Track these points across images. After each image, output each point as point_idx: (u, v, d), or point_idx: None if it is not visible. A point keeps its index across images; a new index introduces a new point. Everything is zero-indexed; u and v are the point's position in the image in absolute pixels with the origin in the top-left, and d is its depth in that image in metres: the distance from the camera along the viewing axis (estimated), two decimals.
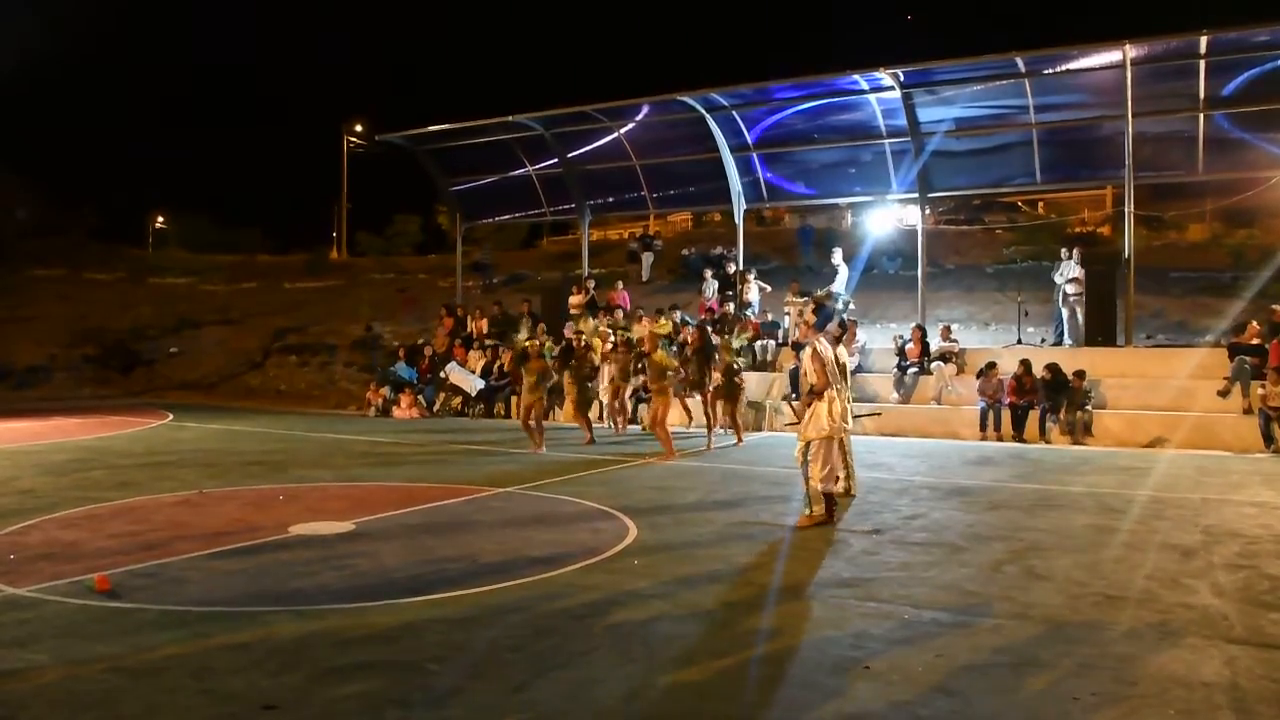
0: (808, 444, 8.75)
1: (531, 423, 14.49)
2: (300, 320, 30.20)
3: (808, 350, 8.93)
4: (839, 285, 19.89)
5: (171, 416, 19.85)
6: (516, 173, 23.96)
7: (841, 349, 10.43)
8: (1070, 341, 17.75)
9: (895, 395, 17.25)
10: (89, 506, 9.68)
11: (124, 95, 75.77)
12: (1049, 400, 15.38)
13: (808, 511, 8.67)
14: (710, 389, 14.94)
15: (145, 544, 7.91)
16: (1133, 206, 17.75)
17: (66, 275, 37.51)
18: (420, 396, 20.67)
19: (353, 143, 50.99)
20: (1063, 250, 18.67)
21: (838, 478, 8.96)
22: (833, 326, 11.60)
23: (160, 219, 58.82)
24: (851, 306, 19.60)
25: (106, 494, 10.41)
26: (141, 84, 78.58)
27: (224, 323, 31.76)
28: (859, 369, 17.62)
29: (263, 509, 9.59)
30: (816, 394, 8.74)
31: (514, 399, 19.84)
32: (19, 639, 5.52)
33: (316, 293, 34.18)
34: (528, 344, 15.34)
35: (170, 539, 8.11)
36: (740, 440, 14.99)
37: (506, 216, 26.58)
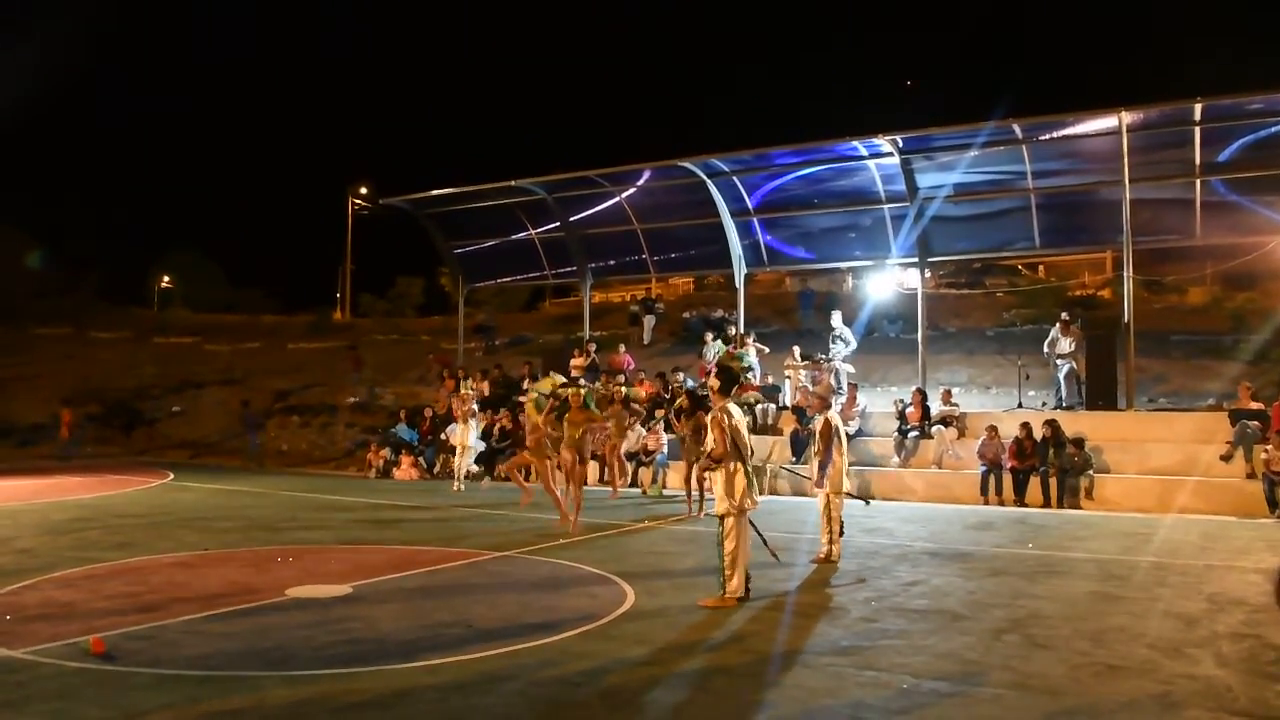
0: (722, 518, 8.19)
1: (561, 488, 12.96)
2: (302, 381, 30.28)
3: (711, 416, 8.42)
4: (840, 350, 19.86)
5: (172, 476, 19.83)
6: (518, 236, 24.17)
7: (835, 414, 10.43)
8: (1066, 405, 17.73)
9: (896, 459, 17.21)
10: (87, 567, 9.65)
11: (132, 155, 76.72)
12: (1049, 461, 15.33)
13: (720, 591, 8.11)
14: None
15: (142, 605, 7.88)
16: (1131, 270, 17.86)
17: (72, 334, 37.74)
18: (421, 458, 20.64)
19: (357, 205, 51.51)
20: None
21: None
22: (822, 390, 11.59)
23: (166, 279, 59.19)
24: (851, 370, 19.62)
25: (105, 554, 10.38)
26: (148, 144, 79.61)
27: (227, 383, 31.82)
28: (859, 433, 17.63)
29: (261, 570, 9.55)
30: (714, 461, 8.19)
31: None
32: (12, 702, 5.49)
33: (319, 353, 34.30)
34: (568, 392, 13.04)
35: (168, 600, 8.08)
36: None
37: (508, 279, 26.71)
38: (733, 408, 8.31)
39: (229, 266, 55.31)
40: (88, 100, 77.59)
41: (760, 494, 8.83)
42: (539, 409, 12.92)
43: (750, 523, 8.42)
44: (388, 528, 12.86)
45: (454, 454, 20.25)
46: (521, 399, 20.46)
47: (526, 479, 14.53)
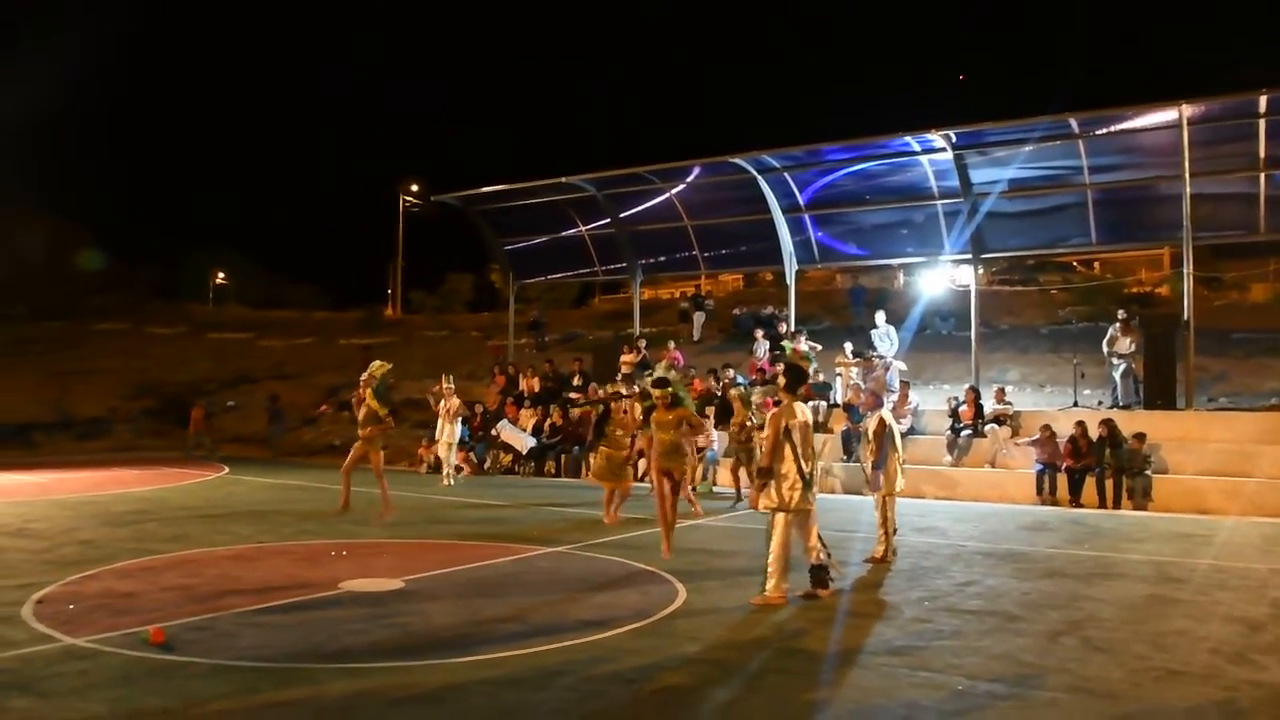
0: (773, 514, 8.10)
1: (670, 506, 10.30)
2: (354, 376, 30.54)
3: (770, 414, 8.33)
4: (884, 349, 19.70)
5: (227, 470, 20.12)
6: (569, 232, 24.23)
7: (888, 413, 10.33)
8: (1123, 404, 17.43)
9: (948, 458, 17.03)
10: (145, 558, 9.81)
11: (187, 153, 77.97)
12: (1104, 461, 15.09)
13: (764, 590, 8.02)
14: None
15: (199, 596, 8.00)
16: (1191, 267, 17.52)
17: (129, 330, 38.39)
18: (472, 454, 20.75)
19: (408, 202, 51.92)
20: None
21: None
22: (875, 388, 11.48)
23: (221, 275, 60.12)
24: (904, 368, 19.44)
25: (163, 546, 10.56)
26: (204, 143, 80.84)
27: (280, 378, 32.22)
28: (911, 431, 17.46)
29: (315, 564, 9.66)
30: (763, 473, 8.12)
31: (566, 458, 19.90)
32: (76, 689, 5.59)
33: (371, 349, 34.60)
34: (655, 389, 10.30)
35: (223, 592, 8.19)
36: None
37: (558, 275, 26.79)
38: (799, 406, 8.24)
39: (282, 263, 56.12)
40: (142, 97, 78.95)
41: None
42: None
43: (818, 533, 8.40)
44: (438, 523, 12.95)
45: (505, 450, 20.45)
46: (572, 396, 20.58)
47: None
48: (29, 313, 37.58)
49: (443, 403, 18.42)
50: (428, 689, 5.66)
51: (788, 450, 8.01)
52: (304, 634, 6.88)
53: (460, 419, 18.90)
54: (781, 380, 8.54)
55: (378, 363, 13.14)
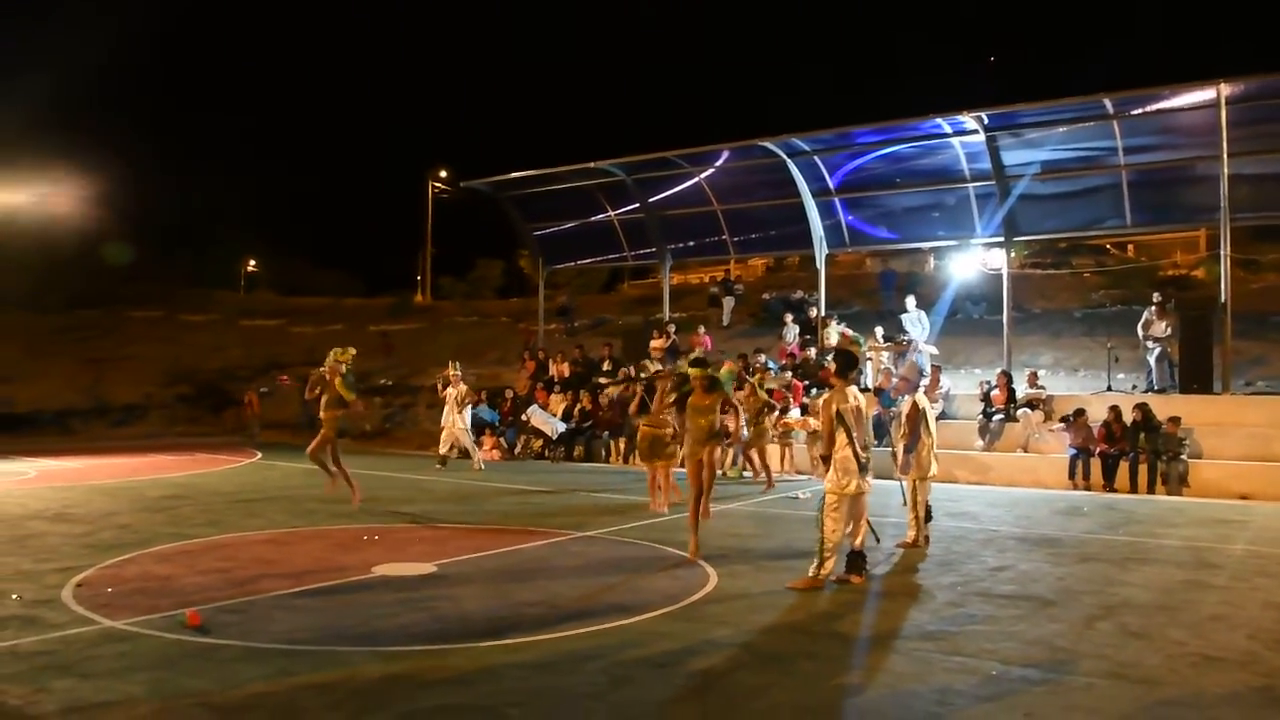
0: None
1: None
2: (384, 362, 30.76)
3: (823, 399, 8.35)
4: (915, 333, 19.58)
5: (260, 455, 20.31)
6: (598, 218, 24.21)
7: (921, 396, 10.26)
8: (1158, 388, 17.24)
9: (980, 442, 16.93)
10: (181, 542, 9.93)
11: (218, 142, 78.49)
12: (1138, 445, 14.94)
13: (814, 572, 8.01)
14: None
15: (234, 580, 8.08)
16: (1229, 249, 17.26)
17: (163, 317, 38.82)
18: (502, 439, 20.84)
19: (437, 189, 52.06)
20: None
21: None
22: (908, 372, 11.38)
23: (252, 263, 60.55)
24: (935, 352, 19.31)
25: (198, 530, 10.67)
26: (234, 131, 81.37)
27: (311, 364, 32.38)
28: (943, 415, 17.35)
29: (347, 548, 9.73)
30: (823, 457, 8.18)
31: (600, 443, 19.92)
32: (115, 670, 5.67)
33: (400, 335, 34.81)
34: (693, 369, 9.83)
35: (258, 576, 8.26)
36: (770, 484, 15.11)
37: (587, 261, 26.79)
38: (851, 391, 8.20)
39: (313, 250, 56.45)
40: (174, 84, 79.47)
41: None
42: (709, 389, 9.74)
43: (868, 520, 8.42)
44: (469, 507, 13.00)
45: (535, 435, 20.47)
46: (601, 380, 20.57)
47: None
48: (65, 301, 38.05)
49: (449, 389, 18.15)
50: (460, 672, 5.69)
51: (842, 435, 8.00)
52: (337, 618, 6.93)
53: (470, 405, 18.67)
54: (832, 365, 8.48)
55: (339, 348, 12.85)
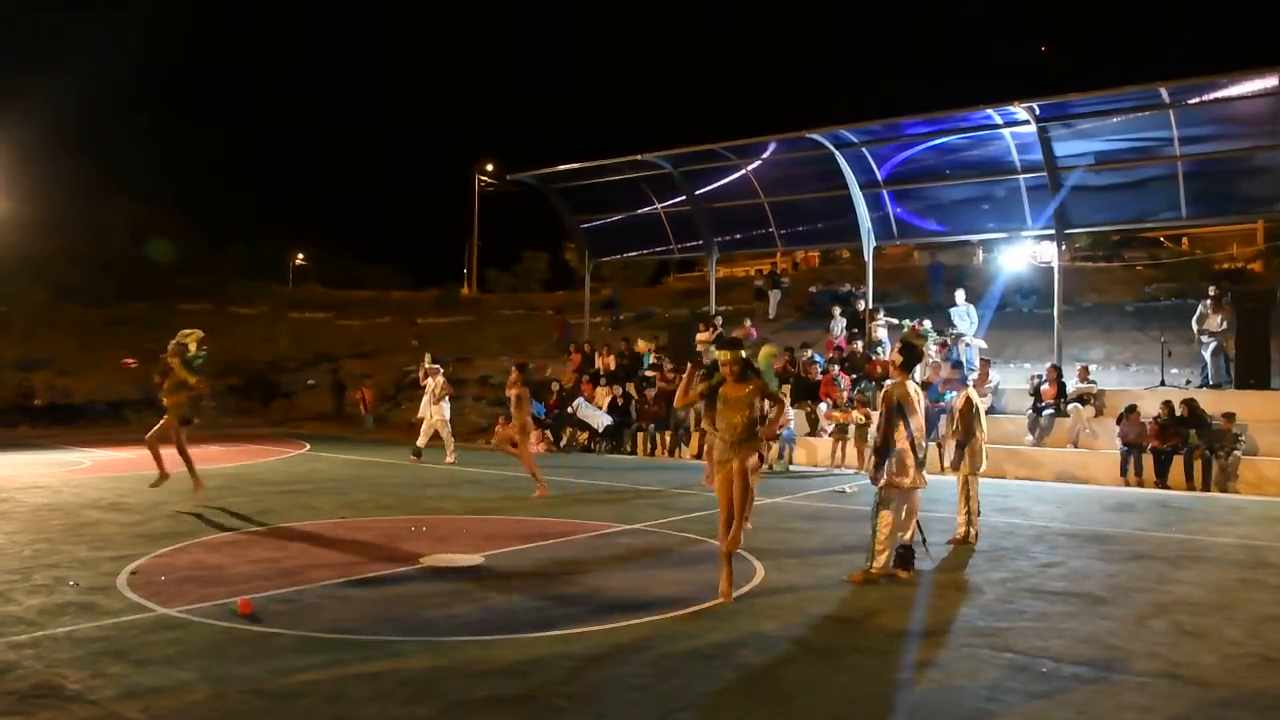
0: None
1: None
2: (432, 355, 30.97)
3: (883, 392, 8.30)
4: (963, 327, 19.38)
5: (308, 446, 20.54)
6: (644, 210, 24.18)
7: (973, 390, 10.15)
8: (1213, 384, 16.92)
9: (1030, 437, 16.72)
10: (232, 532, 10.07)
11: (268, 137, 79.44)
12: (1191, 441, 14.67)
13: (867, 565, 8.06)
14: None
15: (284, 570, 8.17)
16: None
17: (213, 310, 39.37)
18: (548, 431, 20.90)
19: (483, 182, 52.31)
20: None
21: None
22: (947, 371, 11.25)
23: (300, 256, 61.21)
24: (983, 346, 19.10)
25: (248, 520, 10.82)
26: (283, 126, 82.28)
27: (359, 356, 32.76)
28: (991, 410, 17.16)
29: (395, 539, 9.81)
30: (876, 452, 8.03)
31: (646, 436, 19.92)
32: (169, 657, 5.76)
33: (447, 328, 35.03)
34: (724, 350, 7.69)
35: (307, 566, 8.35)
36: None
37: (634, 253, 26.80)
38: (910, 385, 8.13)
39: (360, 244, 57.01)
40: (223, 81, 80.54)
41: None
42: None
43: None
44: (515, 499, 13.05)
45: (581, 428, 20.50)
46: (648, 373, 20.57)
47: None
48: (118, 294, 38.73)
49: (428, 381, 18.01)
50: (509, 663, 5.71)
51: (900, 428, 7.95)
52: (386, 608, 6.99)
53: (448, 397, 18.31)
54: (897, 358, 8.34)
55: (186, 330, 12.49)
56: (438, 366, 18.23)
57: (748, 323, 23.18)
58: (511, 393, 13.48)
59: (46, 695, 5.12)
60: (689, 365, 7.93)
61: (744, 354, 7.57)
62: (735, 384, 7.45)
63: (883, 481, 7.99)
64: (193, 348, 12.15)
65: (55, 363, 31.59)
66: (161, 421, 12.19)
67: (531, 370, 14.22)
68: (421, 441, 18.05)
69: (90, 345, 33.89)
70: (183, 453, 12.18)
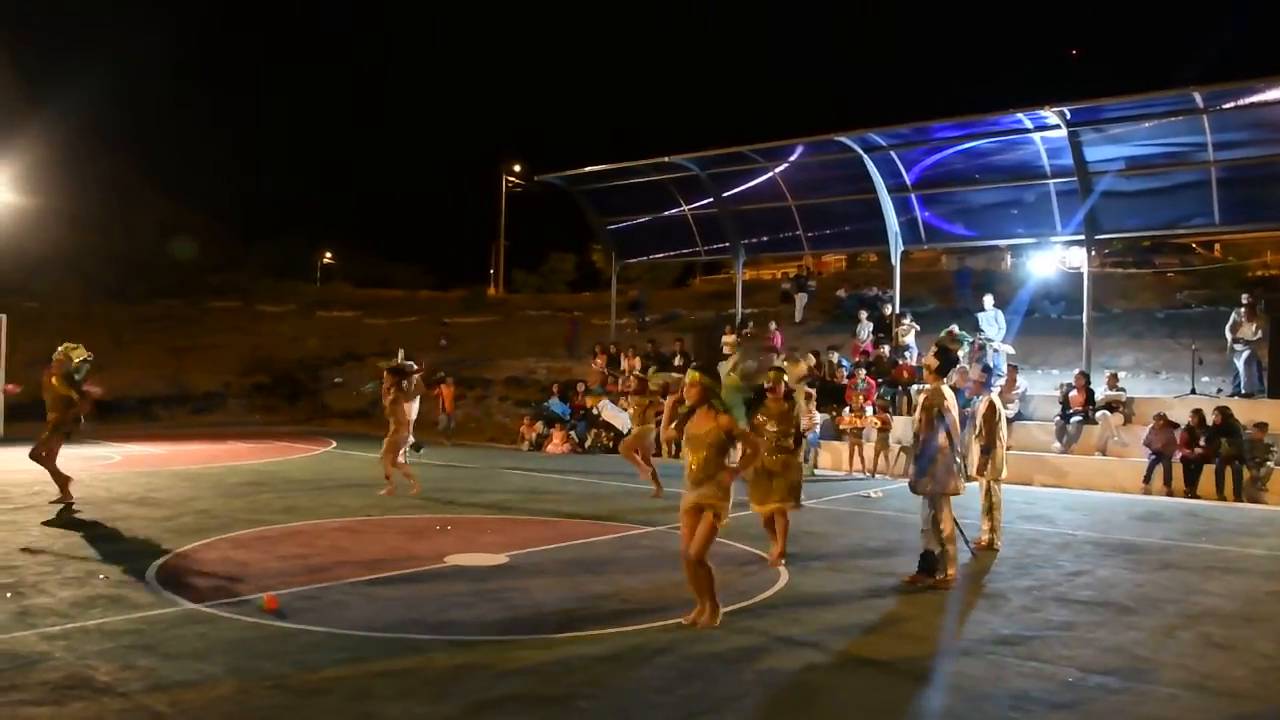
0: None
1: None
2: (457, 355, 31.09)
3: (921, 399, 8.26)
4: (991, 332, 19.24)
5: (335, 444, 20.64)
6: (671, 212, 24.18)
7: (996, 397, 10.10)
8: (1246, 392, 16.72)
9: (1057, 444, 16.59)
10: (259, 528, 10.14)
11: (295, 136, 79.95)
12: (1222, 451, 14.50)
13: (945, 574, 8.05)
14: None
15: (310, 567, 8.22)
16: None
17: (242, 308, 39.66)
18: (572, 432, 20.94)
19: (510, 183, 52.43)
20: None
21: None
22: (976, 373, 11.18)
23: (328, 255, 61.55)
24: (1011, 352, 18.97)
25: (275, 517, 10.90)
26: (311, 125, 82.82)
27: (386, 355, 32.85)
28: (1019, 416, 17.05)
29: (420, 538, 9.85)
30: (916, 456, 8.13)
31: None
32: (197, 651, 5.82)
33: (474, 328, 35.12)
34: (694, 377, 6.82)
35: (333, 563, 8.40)
36: (658, 491, 13.61)
37: (661, 255, 26.79)
38: (946, 391, 8.11)
39: (387, 243, 57.26)
40: (250, 80, 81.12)
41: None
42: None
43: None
44: (541, 500, 13.08)
45: (606, 429, 20.50)
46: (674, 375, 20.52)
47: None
48: (149, 292, 39.08)
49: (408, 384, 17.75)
50: (532, 663, 5.73)
51: (942, 435, 7.93)
52: (411, 606, 7.02)
53: (419, 396, 18.01)
54: (933, 363, 8.29)
55: (70, 345, 12.09)
56: (411, 364, 17.88)
57: (773, 325, 23.13)
58: (387, 399, 13.28)
59: (78, 686, 5.19)
60: (669, 399, 6.99)
61: (708, 381, 6.51)
62: (701, 416, 6.48)
63: (928, 489, 8.00)
64: (75, 360, 11.82)
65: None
66: (48, 437, 11.72)
67: (411, 370, 13.62)
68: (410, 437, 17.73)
69: (121, 342, 34.20)
70: (52, 465, 11.70)
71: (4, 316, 22.30)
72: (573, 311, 35.61)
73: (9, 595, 7.18)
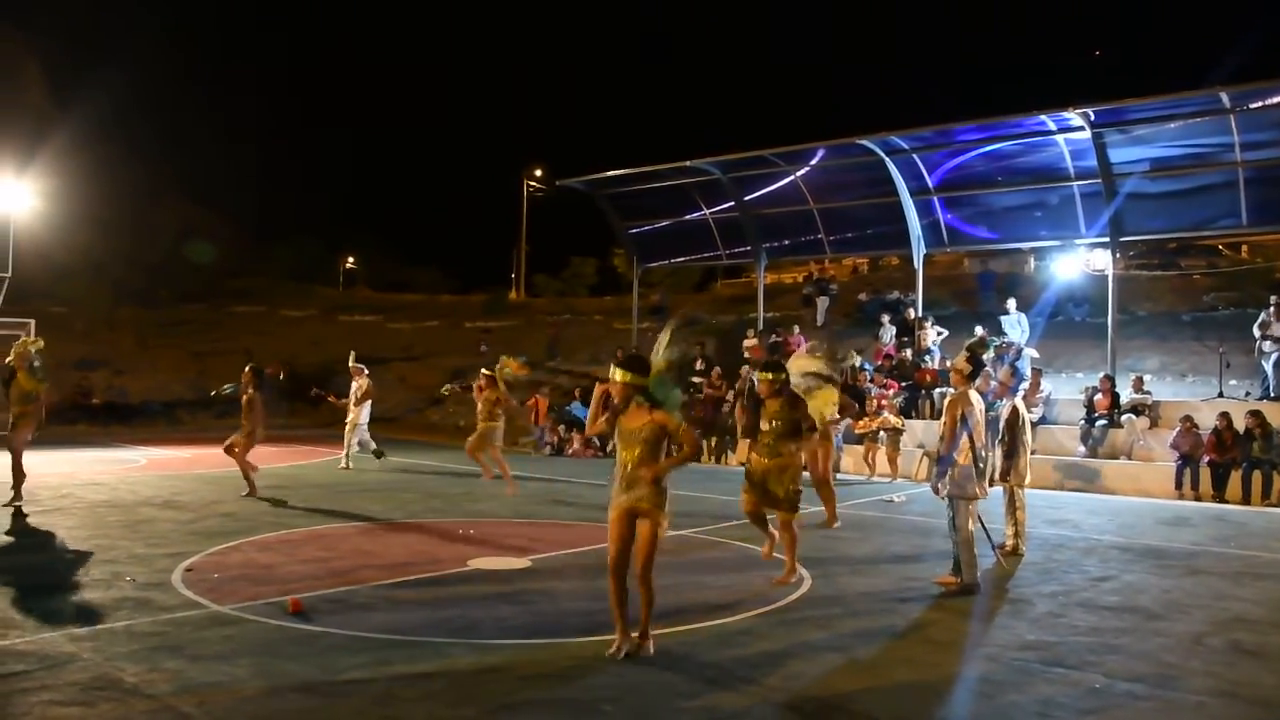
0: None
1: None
2: (479, 359, 31.16)
3: (947, 401, 8.24)
4: (1014, 336, 19.14)
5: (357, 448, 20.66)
6: (693, 216, 24.16)
7: (1020, 401, 10.04)
8: (1275, 395, 16.55)
9: (1082, 448, 16.47)
10: (283, 532, 10.19)
11: (317, 141, 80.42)
12: (1252, 454, 14.36)
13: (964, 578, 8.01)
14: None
15: (334, 570, 8.26)
16: None
17: (264, 312, 39.92)
18: (593, 437, 20.94)
19: (532, 187, 52.54)
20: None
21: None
22: (1003, 375, 11.11)
23: (350, 260, 61.83)
24: (1035, 355, 18.84)
25: (298, 520, 10.96)
26: (333, 130, 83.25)
27: (407, 359, 33.03)
28: (1043, 420, 16.94)
29: (443, 541, 9.88)
30: (937, 456, 8.08)
31: (704, 441, 19.85)
32: (222, 654, 5.85)
33: (495, 332, 35.22)
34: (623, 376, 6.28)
35: (356, 566, 8.44)
36: (512, 489, 13.74)
37: (682, 259, 26.75)
38: (973, 395, 8.05)
39: (409, 247, 57.41)
40: (272, 84, 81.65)
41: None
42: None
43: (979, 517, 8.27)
44: (562, 503, 13.10)
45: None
46: (695, 379, 20.50)
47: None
48: (173, 296, 39.38)
49: (353, 383, 17.36)
50: (555, 667, 5.74)
51: (965, 439, 7.88)
52: (435, 609, 7.04)
53: (370, 401, 17.42)
54: (964, 367, 8.19)
55: (28, 338, 12.21)
56: (362, 367, 17.66)
57: (796, 329, 23.07)
58: (244, 397, 13.06)
59: (106, 687, 5.24)
60: (596, 386, 6.45)
61: (629, 377, 6.08)
62: (634, 411, 6.08)
63: (946, 493, 7.94)
64: (33, 351, 11.88)
65: (113, 363, 32.17)
66: (15, 434, 11.79)
67: (265, 372, 13.48)
68: (370, 445, 17.49)
69: (147, 346, 34.52)
70: (17, 462, 11.75)
71: (32, 321, 22.49)
72: (596, 315, 35.69)
73: (129, 579, 7.57)
